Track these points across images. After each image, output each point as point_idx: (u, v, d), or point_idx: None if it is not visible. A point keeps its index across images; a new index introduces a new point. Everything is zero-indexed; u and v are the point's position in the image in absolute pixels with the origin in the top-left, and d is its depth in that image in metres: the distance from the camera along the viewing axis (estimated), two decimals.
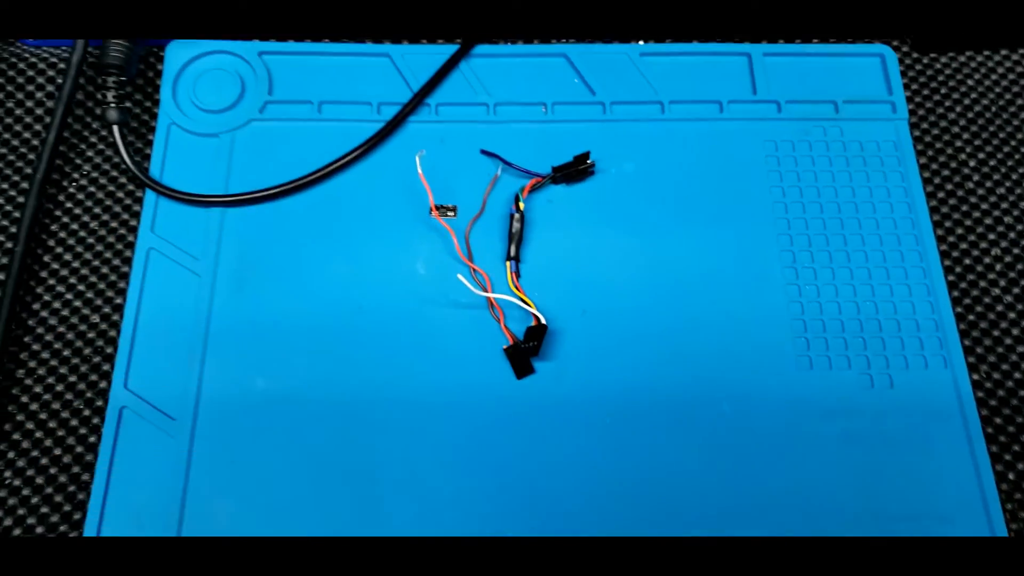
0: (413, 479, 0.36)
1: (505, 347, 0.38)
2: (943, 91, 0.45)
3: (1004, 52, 0.46)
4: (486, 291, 0.39)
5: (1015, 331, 0.40)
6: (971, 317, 0.40)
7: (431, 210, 0.41)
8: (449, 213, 0.41)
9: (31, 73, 0.45)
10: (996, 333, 0.40)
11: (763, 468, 0.37)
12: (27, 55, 0.45)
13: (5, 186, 0.42)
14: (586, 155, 0.41)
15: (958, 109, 0.45)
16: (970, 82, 0.45)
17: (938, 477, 0.36)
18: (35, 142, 0.43)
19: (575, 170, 0.41)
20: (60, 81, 0.44)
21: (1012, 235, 0.42)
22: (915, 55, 0.46)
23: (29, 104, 0.44)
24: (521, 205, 0.40)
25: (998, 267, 0.41)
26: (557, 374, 0.38)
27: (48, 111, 0.44)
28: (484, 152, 0.42)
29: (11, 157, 0.43)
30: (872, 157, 0.43)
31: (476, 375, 0.38)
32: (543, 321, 0.37)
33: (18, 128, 0.44)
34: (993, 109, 0.45)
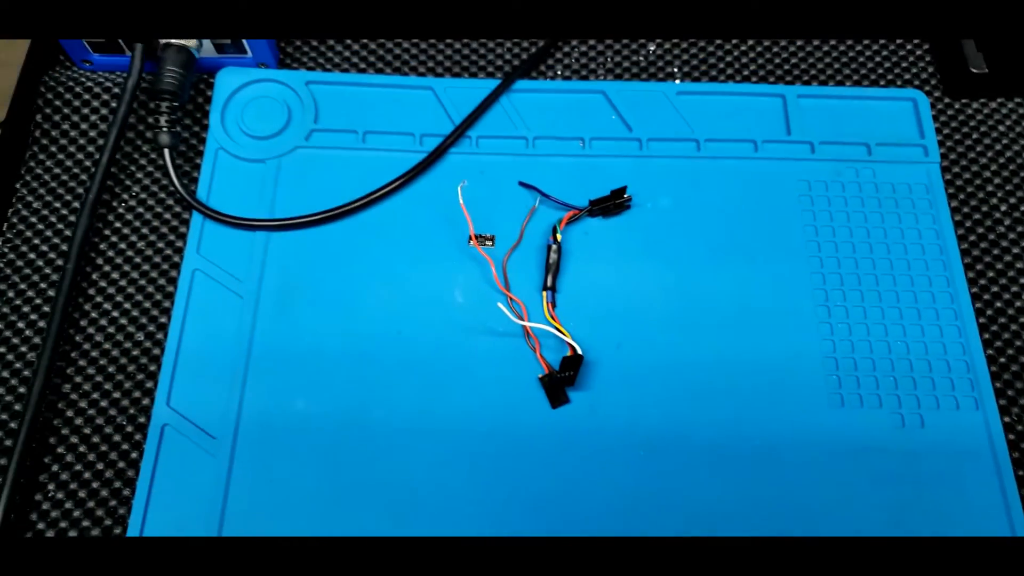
0: (447, 503, 0.37)
1: (540, 376, 0.39)
2: (974, 136, 0.46)
3: None
4: (523, 319, 0.40)
5: None
6: (1002, 360, 0.41)
7: (470, 239, 0.42)
8: (487, 243, 0.42)
9: (87, 97, 0.46)
10: None
11: (794, 503, 0.37)
12: (84, 80, 0.46)
13: (58, 205, 0.44)
14: (623, 190, 0.42)
15: (989, 154, 0.46)
16: (1001, 128, 0.46)
17: (969, 518, 0.37)
18: (88, 163, 0.45)
19: (612, 204, 0.42)
20: (114, 105, 0.46)
21: None
22: (947, 100, 0.47)
23: (84, 127, 0.45)
24: (558, 236, 0.41)
25: None
26: (591, 405, 0.39)
27: (102, 134, 0.45)
28: (522, 184, 0.43)
29: (64, 177, 0.44)
30: (904, 199, 0.43)
31: (511, 403, 0.39)
32: (579, 351, 0.38)
33: (72, 149, 0.45)
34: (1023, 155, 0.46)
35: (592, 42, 0.48)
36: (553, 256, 0.41)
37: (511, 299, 0.40)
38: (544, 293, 0.40)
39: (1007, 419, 0.39)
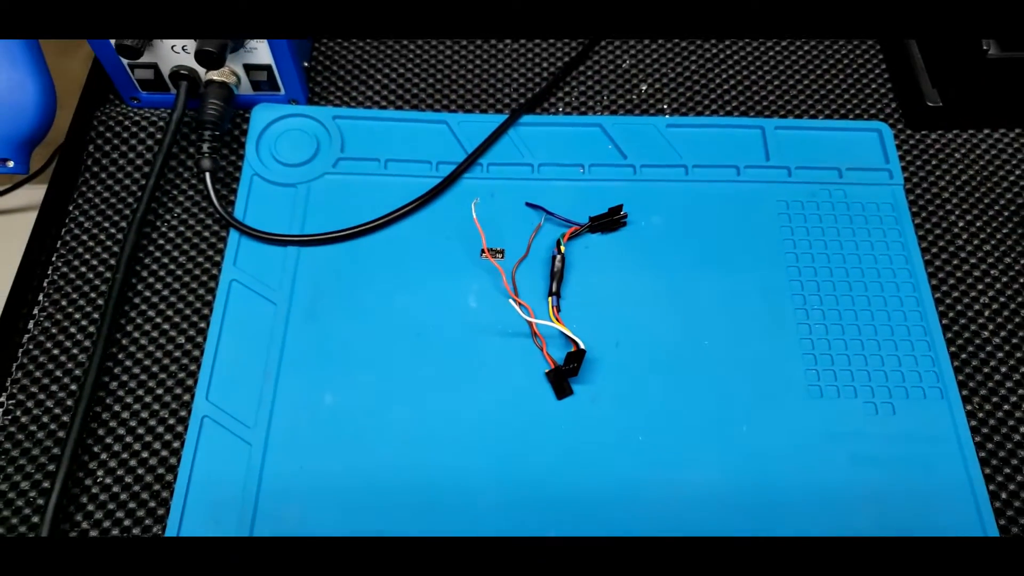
0: (463, 487, 0.40)
1: (547, 371, 0.43)
2: (933, 162, 0.51)
3: (986, 131, 0.52)
4: (531, 316, 0.44)
5: (1003, 368, 0.44)
6: (963, 356, 0.45)
7: (482, 252, 0.46)
8: (498, 255, 0.46)
9: (134, 130, 0.51)
10: (986, 370, 0.44)
11: (778, 483, 0.41)
12: (132, 115, 0.51)
13: (107, 224, 0.48)
14: (619, 207, 0.47)
15: (947, 177, 0.51)
16: (956, 155, 0.51)
17: (937, 495, 0.40)
18: (135, 188, 0.49)
19: (609, 221, 0.47)
20: (159, 137, 0.51)
21: (998, 285, 0.47)
22: (908, 131, 0.52)
23: (131, 156, 0.50)
24: (562, 248, 0.46)
25: (987, 313, 0.46)
26: (593, 396, 0.43)
27: (147, 162, 0.50)
28: (529, 204, 0.48)
29: (113, 200, 0.49)
30: (872, 216, 0.48)
31: (521, 395, 0.43)
32: (582, 346, 0.42)
33: (120, 176, 0.50)
34: (978, 178, 0.51)
35: (590, 82, 0.54)
36: (558, 264, 0.45)
37: (520, 304, 0.44)
38: (550, 299, 0.45)
39: (969, 407, 0.43)
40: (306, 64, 0.53)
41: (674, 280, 0.46)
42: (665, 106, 0.53)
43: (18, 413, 0.42)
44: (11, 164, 0.44)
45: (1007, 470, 0.42)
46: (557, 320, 0.44)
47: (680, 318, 0.45)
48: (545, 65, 0.55)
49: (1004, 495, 0.41)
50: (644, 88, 0.54)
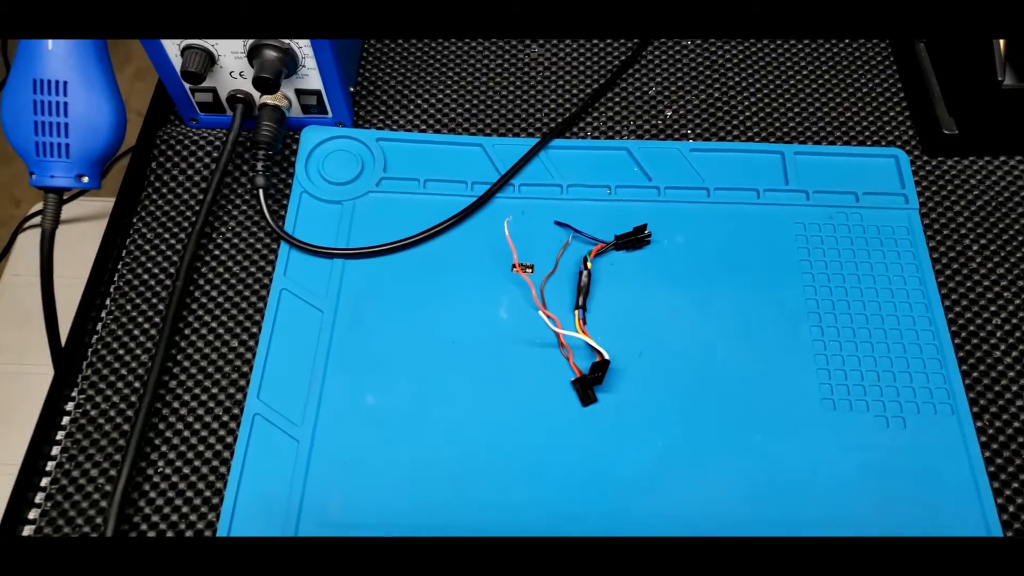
0: (494, 487, 0.43)
1: (572, 380, 0.46)
2: (949, 188, 0.53)
3: (1000, 159, 0.54)
4: (558, 327, 0.46)
5: (1015, 388, 0.46)
6: (975, 374, 0.47)
7: (513, 267, 0.49)
8: (528, 270, 0.49)
9: (194, 148, 0.55)
10: (997, 388, 0.46)
11: (789, 491, 0.43)
12: (191, 134, 0.56)
13: (168, 236, 0.52)
14: (643, 227, 0.49)
15: (962, 203, 0.53)
16: (972, 181, 0.53)
17: (945, 508, 0.42)
18: (193, 203, 0.53)
19: (634, 239, 0.50)
20: (216, 155, 0.55)
21: (1011, 307, 0.49)
22: (925, 158, 0.54)
23: (190, 172, 0.54)
24: (589, 264, 0.49)
25: (999, 334, 0.48)
26: (617, 404, 0.45)
27: (205, 179, 0.54)
28: (558, 223, 0.51)
29: (173, 213, 0.53)
30: (888, 240, 0.50)
31: (547, 402, 0.45)
32: (606, 356, 0.45)
33: (180, 191, 0.54)
34: (992, 204, 0.53)
35: (618, 108, 0.57)
36: (584, 279, 0.48)
37: (548, 316, 0.47)
38: (576, 311, 0.47)
39: (979, 424, 0.45)
40: (352, 89, 0.57)
41: (695, 296, 0.49)
42: (689, 131, 0.56)
43: (88, 407, 0.46)
44: (86, 180, 0.48)
45: (1015, 484, 0.44)
46: (583, 331, 0.47)
47: (700, 332, 0.47)
48: (575, 92, 0.58)
49: (1012, 508, 0.43)
50: (669, 114, 0.57)
